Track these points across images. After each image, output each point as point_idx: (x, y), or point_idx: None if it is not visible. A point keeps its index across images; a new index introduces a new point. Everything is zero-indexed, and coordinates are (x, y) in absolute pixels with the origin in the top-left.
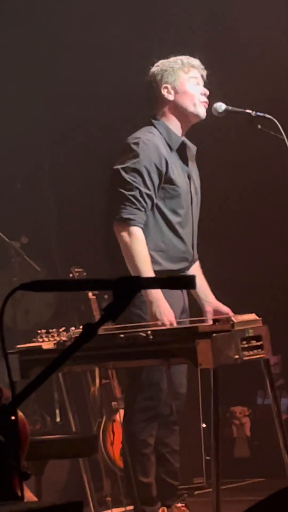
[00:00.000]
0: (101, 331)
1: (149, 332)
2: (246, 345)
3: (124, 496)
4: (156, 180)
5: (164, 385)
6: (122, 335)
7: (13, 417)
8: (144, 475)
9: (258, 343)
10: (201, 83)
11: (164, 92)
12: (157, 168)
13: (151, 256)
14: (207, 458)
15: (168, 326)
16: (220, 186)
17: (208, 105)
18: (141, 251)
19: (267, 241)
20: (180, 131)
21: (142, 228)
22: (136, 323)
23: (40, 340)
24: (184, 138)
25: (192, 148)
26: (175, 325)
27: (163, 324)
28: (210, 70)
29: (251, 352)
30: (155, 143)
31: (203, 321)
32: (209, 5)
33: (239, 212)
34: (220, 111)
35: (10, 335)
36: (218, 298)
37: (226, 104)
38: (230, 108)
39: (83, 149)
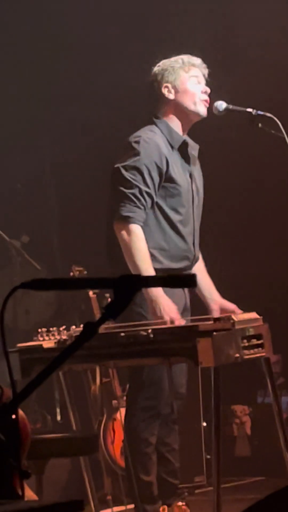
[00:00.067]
0: (101, 329)
1: (149, 330)
2: (246, 344)
3: (125, 495)
4: (156, 179)
5: (165, 384)
6: (122, 334)
7: (13, 416)
8: (145, 473)
9: (259, 342)
10: (203, 81)
11: (164, 91)
12: (158, 167)
13: (152, 255)
14: (208, 456)
15: (169, 324)
16: (220, 185)
17: (209, 103)
18: (141, 248)
19: (267, 240)
20: (182, 130)
21: (141, 226)
22: (137, 322)
23: (41, 339)
24: (185, 137)
25: (194, 147)
26: (178, 319)
27: (165, 321)
28: (210, 69)
29: (251, 351)
30: (156, 141)
31: (204, 319)
32: (209, 5)
33: (240, 210)
34: (220, 109)
35: (10, 334)
36: None
37: (226, 102)
38: (230, 106)
39: (83, 148)
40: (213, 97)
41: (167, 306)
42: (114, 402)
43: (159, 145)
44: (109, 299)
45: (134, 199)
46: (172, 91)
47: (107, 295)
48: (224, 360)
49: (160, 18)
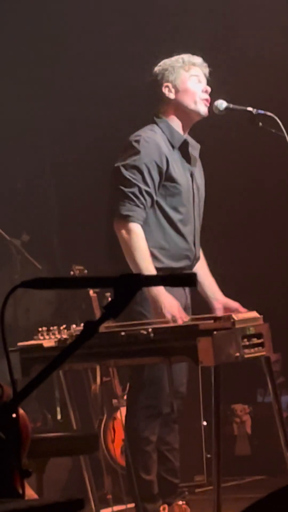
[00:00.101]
0: (102, 329)
1: (150, 330)
2: (247, 343)
3: (125, 493)
4: (156, 177)
5: (166, 383)
6: (123, 333)
7: (14, 415)
8: (145, 472)
9: (259, 341)
10: (203, 80)
11: (165, 91)
12: (158, 166)
13: (152, 254)
14: (208, 456)
15: (171, 321)
16: (220, 185)
17: (210, 102)
18: (141, 247)
19: (267, 239)
20: (183, 129)
21: (141, 225)
22: (137, 321)
23: (41, 338)
24: (186, 136)
25: (195, 146)
26: (180, 316)
27: (167, 319)
28: (210, 69)
29: (252, 350)
30: (156, 140)
31: (205, 318)
32: (209, 5)
33: (240, 209)
34: (221, 109)
35: (11, 333)
36: None
37: (227, 102)
38: (231, 106)
39: (84, 147)
40: (213, 96)
41: (168, 303)
42: (115, 401)
43: (159, 144)
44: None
45: (134, 198)
46: (173, 90)
47: (108, 294)
48: (224, 359)
49: (160, 18)
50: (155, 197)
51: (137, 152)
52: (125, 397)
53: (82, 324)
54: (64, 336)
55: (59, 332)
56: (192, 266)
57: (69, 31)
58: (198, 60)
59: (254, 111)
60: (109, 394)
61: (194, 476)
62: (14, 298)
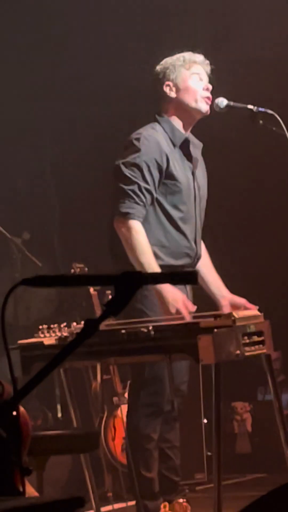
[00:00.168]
0: (102, 326)
1: (150, 327)
2: (247, 341)
3: (125, 491)
4: (156, 175)
5: (167, 381)
6: (123, 331)
7: (14, 413)
8: (146, 470)
9: (260, 339)
10: (205, 78)
11: (166, 89)
12: (158, 163)
13: (152, 251)
14: (209, 453)
15: (176, 315)
16: (221, 182)
17: (211, 100)
18: (141, 243)
19: (268, 237)
20: (184, 128)
21: (141, 222)
22: (138, 318)
23: (42, 335)
24: (188, 135)
25: (197, 145)
26: (187, 305)
27: (172, 314)
28: (212, 66)
29: (252, 348)
30: (156, 138)
31: (205, 316)
32: (209, 5)
33: (241, 207)
34: (221, 106)
35: (11, 330)
36: None
37: (227, 99)
38: (231, 103)
39: (84, 147)
40: (213, 94)
41: (172, 297)
42: (115, 399)
43: (160, 142)
44: (110, 296)
45: (133, 196)
46: (174, 89)
47: (108, 292)
48: (224, 357)
49: (160, 18)
50: (155, 195)
51: (137, 150)
52: (125, 395)
53: (82, 322)
54: (65, 334)
55: (60, 330)
56: (193, 264)
57: (69, 31)
58: (199, 58)
59: (255, 109)
60: (109, 392)
61: (195, 474)
62: (14, 296)
